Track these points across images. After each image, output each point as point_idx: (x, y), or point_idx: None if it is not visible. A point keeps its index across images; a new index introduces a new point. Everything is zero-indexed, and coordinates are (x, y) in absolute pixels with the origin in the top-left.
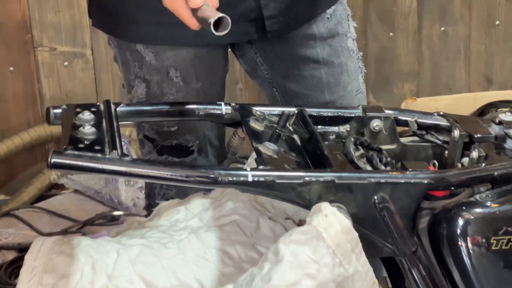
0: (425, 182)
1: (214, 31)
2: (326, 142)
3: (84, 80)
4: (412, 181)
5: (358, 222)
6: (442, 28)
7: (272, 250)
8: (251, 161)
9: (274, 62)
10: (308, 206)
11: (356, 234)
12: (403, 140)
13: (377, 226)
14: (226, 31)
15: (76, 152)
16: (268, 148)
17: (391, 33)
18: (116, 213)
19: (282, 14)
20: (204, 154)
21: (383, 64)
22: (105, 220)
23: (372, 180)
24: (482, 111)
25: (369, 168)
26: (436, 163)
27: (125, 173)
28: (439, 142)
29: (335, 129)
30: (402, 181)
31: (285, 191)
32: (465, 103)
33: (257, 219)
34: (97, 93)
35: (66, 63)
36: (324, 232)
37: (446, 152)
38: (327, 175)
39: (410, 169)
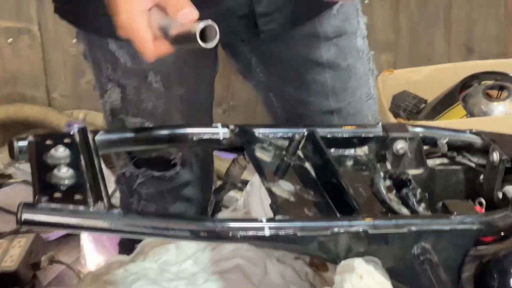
0: (475, 228)
1: (201, 44)
2: (342, 168)
3: (31, 59)
4: (459, 227)
5: (394, 277)
6: None
7: None
8: (250, 189)
9: (272, 64)
10: (334, 260)
11: None
12: (430, 162)
13: (416, 281)
14: (215, 41)
15: (52, 205)
16: (283, 189)
17: (366, 1)
18: None
19: (278, 11)
20: (188, 166)
21: None
22: None
23: (413, 228)
24: (465, 84)
25: (404, 209)
26: (484, 202)
27: (115, 231)
28: (472, 165)
29: (351, 152)
30: (447, 228)
31: (308, 244)
32: (445, 74)
33: (264, 262)
34: (46, 74)
35: (10, 40)
36: None
37: (481, 176)
38: (359, 224)
39: (455, 213)
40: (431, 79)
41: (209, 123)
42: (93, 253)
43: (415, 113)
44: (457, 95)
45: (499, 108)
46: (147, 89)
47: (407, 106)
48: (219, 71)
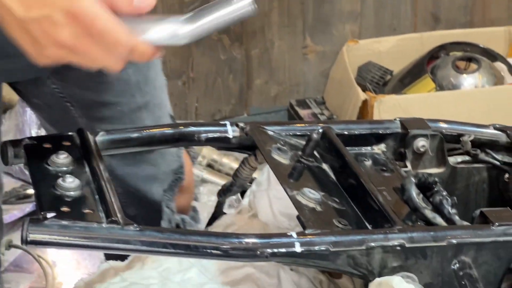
0: None
1: None
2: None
3: None
4: (501, 239)
5: None
6: None
7: None
8: (256, 189)
9: (66, 72)
10: (366, 277)
11: None
12: (451, 160)
13: None
14: None
15: (62, 222)
16: (309, 198)
17: None
18: (30, 191)
19: None
20: None
21: (322, 3)
22: (16, 198)
23: (453, 241)
24: (432, 55)
25: (438, 218)
26: None
27: (134, 250)
28: (497, 163)
29: (368, 149)
30: (489, 240)
31: (340, 260)
32: (411, 44)
33: (277, 271)
34: None
35: None
36: None
37: (506, 175)
38: (395, 238)
39: (496, 223)
40: (396, 49)
41: None
42: None
43: (382, 85)
44: (425, 66)
45: (468, 81)
46: None
47: (373, 78)
48: None
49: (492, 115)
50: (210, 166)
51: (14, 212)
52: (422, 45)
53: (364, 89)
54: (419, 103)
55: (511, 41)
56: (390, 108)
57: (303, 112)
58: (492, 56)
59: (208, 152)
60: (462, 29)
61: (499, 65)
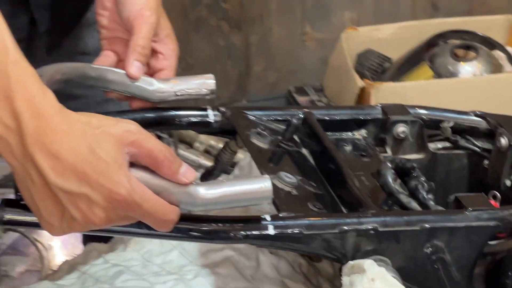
0: (492, 225)
1: None
2: (340, 153)
3: None
4: (474, 224)
5: (404, 277)
6: None
7: None
8: (239, 173)
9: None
10: (340, 260)
11: None
12: (431, 146)
13: (427, 281)
14: None
15: None
16: (286, 182)
17: None
18: None
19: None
20: None
21: None
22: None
23: (426, 225)
24: (431, 43)
25: (413, 203)
26: (498, 195)
27: (115, 232)
28: (477, 150)
29: (349, 135)
30: (462, 224)
31: (313, 243)
32: (410, 32)
33: (256, 254)
34: None
35: None
36: None
37: (486, 161)
38: (368, 222)
39: (470, 208)
40: (396, 37)
41: None
42: None
43: (380, 72)
44: (423, 54)
45: (466, 69)
46: None
47: (372, 65)
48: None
49: (490, 103)
50: (207, 152)
51: (11, 196)
52: (420, 33)
53: (363, 77)
54: (417, 90)
55: (511, 30)
56: (387, 96)
57: (301, 99)
58: (491, 44)
59: (205, 138)
60: (462, 17)
61: (497, 53)
